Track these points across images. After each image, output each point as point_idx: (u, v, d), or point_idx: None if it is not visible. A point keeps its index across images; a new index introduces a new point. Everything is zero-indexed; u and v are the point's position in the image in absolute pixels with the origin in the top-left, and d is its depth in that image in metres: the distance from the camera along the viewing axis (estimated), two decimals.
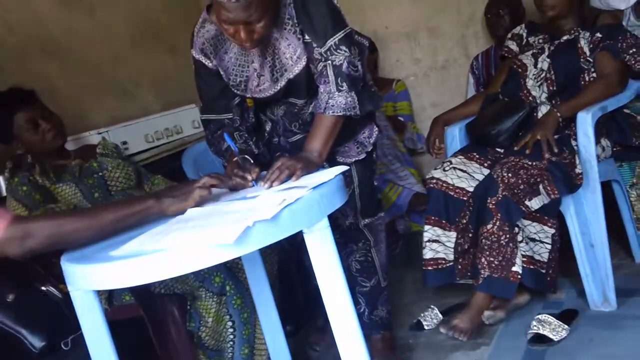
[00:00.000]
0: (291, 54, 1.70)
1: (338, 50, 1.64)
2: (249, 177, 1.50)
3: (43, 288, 1.42)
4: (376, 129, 1.91)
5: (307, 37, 1.67)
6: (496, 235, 1.99)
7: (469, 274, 2.14)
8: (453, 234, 2.17)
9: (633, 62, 2.16)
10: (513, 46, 2.45)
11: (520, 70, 2.34)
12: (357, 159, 1.89)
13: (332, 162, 1.80)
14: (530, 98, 2.29)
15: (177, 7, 3.21)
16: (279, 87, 1.75)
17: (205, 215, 1.32)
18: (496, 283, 2.00)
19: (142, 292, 1.85)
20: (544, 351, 1.90)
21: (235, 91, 1.84)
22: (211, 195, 1.43)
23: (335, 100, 1.63)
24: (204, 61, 1.81)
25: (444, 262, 2.18)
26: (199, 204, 1.38)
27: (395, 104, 3.38)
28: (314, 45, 1.66)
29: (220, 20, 1.55)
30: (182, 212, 1.33)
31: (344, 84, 1.63)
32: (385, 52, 3.55)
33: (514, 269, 1.98)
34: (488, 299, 2.09)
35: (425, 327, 2.25)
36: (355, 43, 1.69)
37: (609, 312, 2.05)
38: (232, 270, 1.86)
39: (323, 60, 1.65)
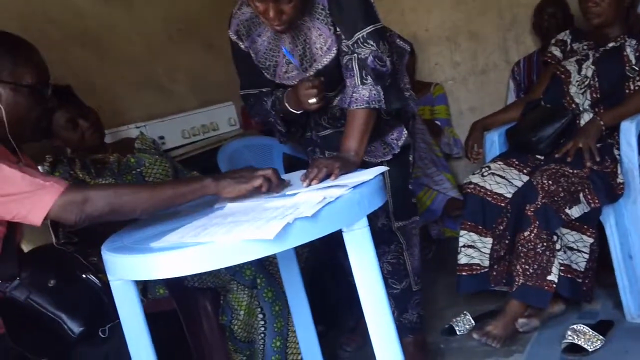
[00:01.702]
0: (321, 44, 1.71)
1: (365, 44, 1.64)
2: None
3: (83, 276, 1.44)
4: (405, 132, 1.90)
5: (337, 29, 1.68)
6: (533, 243, 1.96)
7: (503, 281, 2.12)
8: (489, 240, 2.15)
9: None
10: (557, 52, 2.42)
11: (563, 76, 2.30)
12: (383, 159, 1.89)
13: None
14: (573, 105, 2.25)
15: (215, 4, 3.24)
16: (306, 76, 1.76)
17: (245, 211, 1.32)
18: (530, 291, 1.98)
19: (177, 286, 1.87)
20: None
21: (265, 74, 1.86)
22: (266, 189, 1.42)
23: (360, 93, 1.64)
24: (238, 42, 1.84)
25: (478, 267, 2.16)
26: (254, 196, 1.38)
27: (433, 107, 3.36)
28: (343, 37, 1.67)
29: None
30: (237, 197, 1.34)
31: (369, 77, 1.63)
32: (424, 55, 3.53)
33: (549, 277, 1.95)
34: (522, 306, 2.06)
35: (458, 333, 2.23)
36: (386, 39, 1.69)
37: None
38: (263, 263, 1.87)
39: (350, 53, 1.67)
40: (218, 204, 1.44)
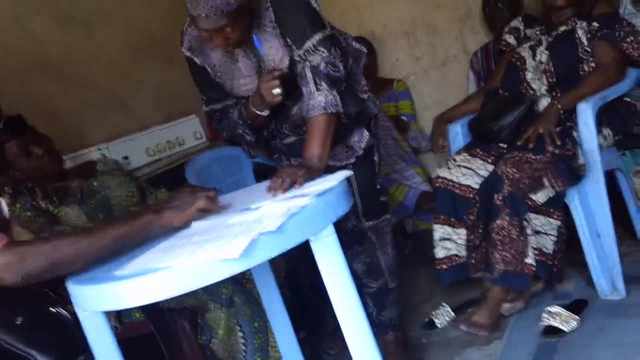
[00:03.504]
0: (274, 55, 1.73)
1: (316, 51, 1.66)
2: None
3: (52, 309, 1.42)
4: (367, 133, 1.92)
5: (287, 39, 1.69)
6: (506, 230, 1.99)
7: (482, 267, 2.14)
8: (463, 231, 2.17)
9: (631, 50, 2.15)
10: (510, 40, 2.45)
11: (518, 63, 2.33)
12: (347, 162, 1.90)
13: None
14: (531, 91, 2.29)
15: (173, 17, 3.21)
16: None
17: (209, 230, 1.32)
18: (511, 276, 2.01)
19: (152, 309, 1.85)
20: (556, 342, 1.91)
21: (225, 89, 1.86)
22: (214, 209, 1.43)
23: (316, 100, 1.65)
24: (192, 57, 1.85)
25: (457, 258, 2.18)
26: (201, 217, 1.38)
27: (397, 103, 3.38)
28: (294, 47, 1.69)
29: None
30: (185, 223, 1.33)
31: (323, 83, 1.65)
32: (384, 52, 3.54)
33: (527, 261, 1.99)
34: (504, 292, 2.10)
35: (438, 325, 2.25)
36: (336, 44, 1.71)
37: (619, 301, 2.05)
38: (239, 281, 1.86)
39: (302, 61, 1.68)
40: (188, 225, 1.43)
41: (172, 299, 1.84)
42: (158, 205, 1.36)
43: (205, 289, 1.78)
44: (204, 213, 1.37)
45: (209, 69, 1.84)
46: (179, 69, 3.09)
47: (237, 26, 1.61)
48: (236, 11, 1.57)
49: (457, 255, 2.18)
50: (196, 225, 1.40)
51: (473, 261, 2.16)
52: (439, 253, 2.19)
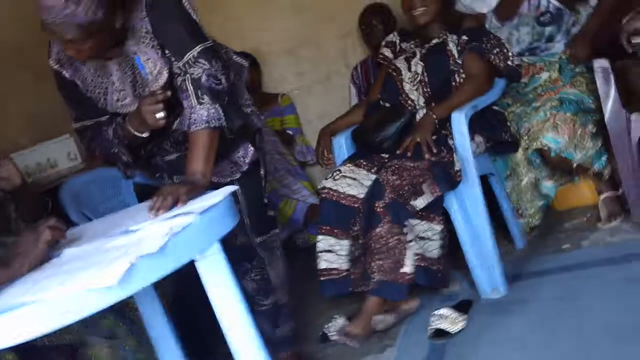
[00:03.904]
0: (151, 68, 1.66)
1: (197, 63, 1.62)
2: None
3: None
4: (252, 148, 1.89)
5: (166, 51, 1.64)
6: (385, 238, 2.03)
7: (361, 283, 2.14)
8: (346, 243, 2.18)
9: (498, 61, 2.30)
10: (387, 53, 2.53)
11: (395, 74, 2.42)
12: (232, 178, 1.87)
13: None
14: (410, 102, 2.37)
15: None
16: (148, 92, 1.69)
17: (83, 256, 1.22)
18: (386, 286, 2.03)
19: (25, 349, 1.69)
20: (444, 344, 1.96)
21: (97, 104, 1.76)
22: (65, 237, 1.34)
23: (198, 113, 1.60)
24: (61, 71, 1.74)
25: (336, 272, 2.18)
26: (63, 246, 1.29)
27: (283, 118, 3.39)
28: (173, 59, 1.63)
29: None
30: (37, 263, 1.24)
31: (205, 97, 1.60)
32: (269, 68, 3.55)
33: (402, 270, 2.02)
34: (380, 303, 2.10)
35: (331, 339, 2.24)
36: (218, 57, 1.67)
37: (499, 299, 2.15)
38: (122, 310, 1.75)
39: (182, 74, 1.63)
40: (54, 252, 1.32)
41: (46, 335, 1.70)
42: (5, 257, 1.24)
43: (83, 322, 1.65)
44: (56, 243, 1.29)
45: (79, 83, 1.73)
46: (48, 85, 2.91)
47: (92, 40, 1.52)
48: (89, 25, 1.48)
49: (337, 269, 2.18)
50: (68, 252, 1.30)
51: (353, 276, 2.17)
52: (321, 264, 2.19)
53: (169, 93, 1.62)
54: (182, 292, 2.20)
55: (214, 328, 2.23)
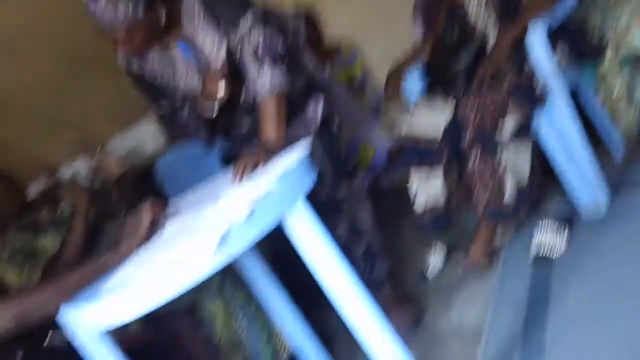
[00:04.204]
0: (210, 45, 1.70)
1: (252, 31, 1.64)
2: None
3: (48, 339, 1.41)
4: (321, 104, 1.90)
5: (221, 25, 1.67)
6: (479, 171, 2.00)
7: (463, 210, 2.17)
8: (437, 180, 2.18)
9: None
10: None
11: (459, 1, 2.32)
12: (307, 136, 1.89)
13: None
14: (478, 27, 2.27)
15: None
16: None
17: (183, 229, 1.32)
18: (495, 213, 2.03)
19: (150, 317, 1.85)
20: (547, 269, 1.94)
21: (168, 91, 1.83)
22: (166, 213, 1.44)
23: (261, 81, 1.64)
24: (129, 67, 1.82)
25: (436, 207, 2.19)
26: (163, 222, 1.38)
27: (349, 66, 3.36)
28: (229, 32, 1.67)
29: None
30: (143, 244, 1.34)
31: (265, 63, 1.64)
32: (327, 20, 3.49)
33: (505, 199, 2.00)
34: (492, 228, 2.14)
35: (432, 271, 2.27)
36: (270, 21, 1.69)
37: (601, 215, 2.08)
38: (228, 268, 1.86)
39: (240, 45, 1.66)
40: (156, 229, 1.43)
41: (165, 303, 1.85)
42: (114, 241, 1.37)
43: (195, 286, 1.78)
44: (157, 222, 1.39)
45: (147, 75, 1.81)
46: (120, 75, 3.04)
47: (139, 35, 1.59)
48: (133, 23, 1.55)
49: (435, 205, 2.19)
50: (169, 227, 1.40)
51: (452, 207, 2.18)
52: (418, 205, 2.20)
53: (225, 70, 1.67)
54: (280, 248, 2.30)
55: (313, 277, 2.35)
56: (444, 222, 2.21)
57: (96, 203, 1.99)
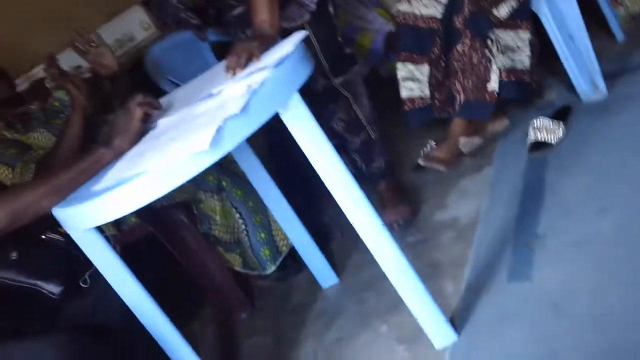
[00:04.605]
0: None
1: None
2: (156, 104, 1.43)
3: (43, 237, 1.42)
4: None
5: None
6: (467, 56, 1.93)
7: (447, 108, 2.10)
8: (426, 68, 2.10)
9: None
10: None
11: None
12: (302, 21, 1.81)
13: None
14: None
15: None
16: None
17: (176, 124, 1.28)
18: (472, 106, 1.96)
19: (146, 211, 1.85)
20: (545, 156, 1.92)
21: None
22: (156, 109, 1.40)
23: None
24: None
25: (420, 100, 2.13)
26: (156, 117, 1.37)
27: None
28: None
29: None
30: (136, 139, 1.31)
31: None
32: None
33: (489, 87, 1.94)
34: (465, 125, 2.04)
35: (420, 164, 2.25)
36: None
37: (601, 100, 2.03)
38: (223, 165, 1.85)
39: None
40: (150, 124, 1.39)
41: (162, 197, 1.85)
42: (107, 137, 1.33)
43: (192, 181, 1.77)
44: (148, 117, 1.36)
45: None
46: None
47: None
48: None
49: (420, 97, 2.13)
50: (162, 122, 1.37)
51: (437, 102, 2.11)
52: (403, 93, 2.13)
53: None
54: (274, 141, 2.28)
55: (309, 170, 2.36)
56: (426, 116, 2.15)
57: (93, 95, 1.94)
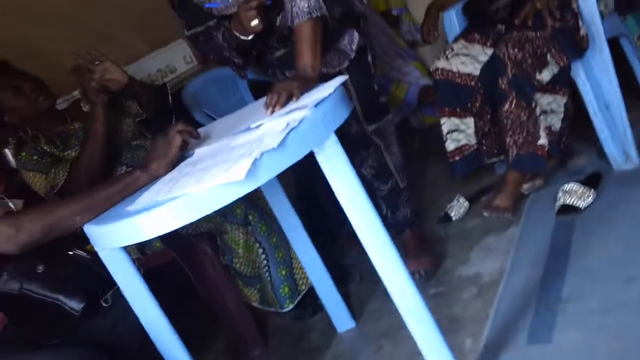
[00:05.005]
0: None
1: None
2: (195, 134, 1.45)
3: (70, 253, 1.44)
4: (357, 34, 1.85)
5: None
6: (515, 114, 1.96)
7: (495, 151, 2.14)
8: (470, 120, 2.14)
9: None
10: None
11: None
12: (340, 67, 1.85)
13: None
14: None
15: None
16: (242, 0, 1.68)
17: (213, 154, 1.31)
18: (526, 159, 2.00)
19: (171, 237, 1.87)
20: (573, 220, 1.91)
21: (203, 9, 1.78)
22: (195, 139, 1.43)
23: (298, 6, 1.59)
24: None
25: (468, 147, 2.17)
26: (193, 146, 1.38)
27: None
28: None
29: None
30: (172, 165, 1.33)
31: None
32: None
33: (539, 142, 1.97)
34: (521, 174, 2.10)
35: (453, 218, 2.26)
36: None
37: (632, 169, 2.04)
38: (251, 199, 1.87)
39: None
40: (187, 152, 1.42)
41: (188, 225, 1.87)
42: (144, 159, 1.36)
43: (220, 212, 1.78)
44: (186, 144, 1.38)
45: None
46: None
47: None
48: None
49: (468, 145, 2.17)
50: (199, 151, 1.39)
51: (485, 147, 2.15)
52: (450, 146, 2.17)
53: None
54: (303, 181, 2.30)
55: (336, 211, 2.36)
56: (474, 164, 2.19)
57: (111, 101, 1.98)
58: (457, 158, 2.17)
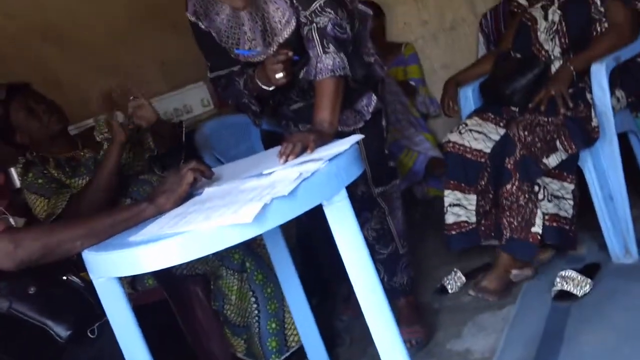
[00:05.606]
0: (280, 17, 1.69)
1: (323, 12, 1.63)
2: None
3: (64, 277, 1.42)
4: (375, 97, 1.90)
5: (295, 0, 1.66)
6: (515, 196, 1.98)
7: (492, 234, 2.14)
8: (473, 197, 2.16)
9: None
10: (522, 0, 2.39)
11: (530, 24, 2.29)
12: (355, 127, 1.88)
13: None
14: (543, 52, 2.24)
15: None
16: (270, 52, 1.73)
17: (222, 195, 1.31)
18: (517, 244, 2.00)
19: (165, 275, 1.86)
20: (569, 306, 1.90)
21: (230, 54, 1.83)
22: (207, 178, 1.42)
23: (323, 63, 1.62)
24: (197, 22, 1.81)
25: (466, 224, 2.17)
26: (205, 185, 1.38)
27: (406, 67, 3.33)
28: (300, 8, 1.66)
29: None
30: (180, 201, 1.33)
31: (330, 46, 1.62)
32: (392, 16, 3.48)
33: (533, 230, 1.97)
34: (513, 258, 2.08)
35: (450, 291, 2.24)
36: (343, 6, 1.67)
37: (632, 264, 2.04)
38: (250, 246, 1.86)
39: (309, 23, 1.65)
40: (196, 190, 1.42)
41: (184, 265, 1.85)
42: (152, 192, 1.36)
43: (217, 255, 1.78)
44: (196, 182, 1.37)
45: (214, 34, 1.81)
46: (182, 35, 3.04)
47: None
48: None
49: (466, 222, 2.17)
50: (208, 190, 1.40)
51: (483, 228, 2.15)
52: (449, 219, 2.18)
53: (290, 53, 1.65)
54: (305, 230, 2.29)
55: (333, 272, 2.34)
56: (470, 242, 2.19)
57: (131, 140, 2.00)
58: (453, 232, 2.18)
